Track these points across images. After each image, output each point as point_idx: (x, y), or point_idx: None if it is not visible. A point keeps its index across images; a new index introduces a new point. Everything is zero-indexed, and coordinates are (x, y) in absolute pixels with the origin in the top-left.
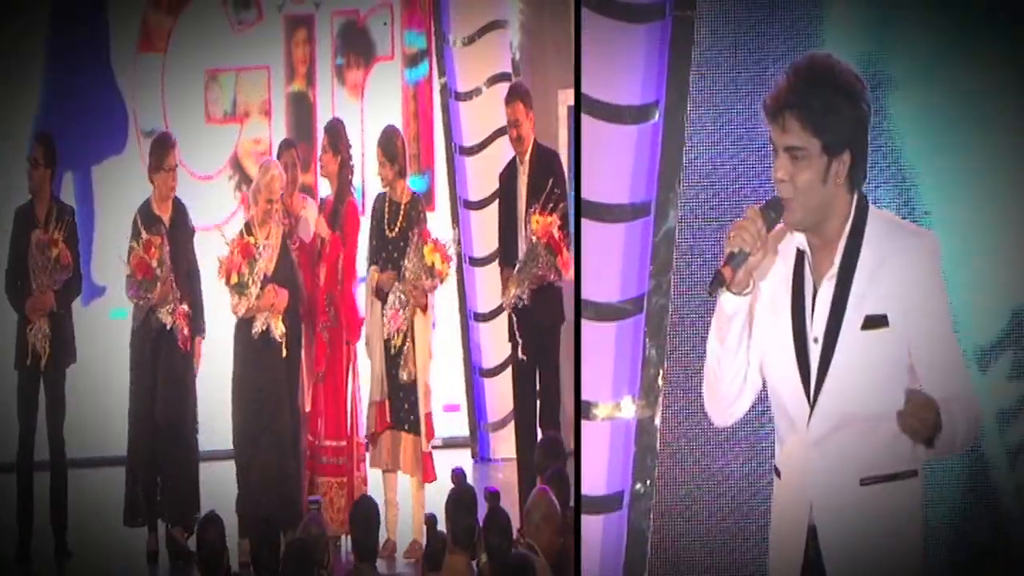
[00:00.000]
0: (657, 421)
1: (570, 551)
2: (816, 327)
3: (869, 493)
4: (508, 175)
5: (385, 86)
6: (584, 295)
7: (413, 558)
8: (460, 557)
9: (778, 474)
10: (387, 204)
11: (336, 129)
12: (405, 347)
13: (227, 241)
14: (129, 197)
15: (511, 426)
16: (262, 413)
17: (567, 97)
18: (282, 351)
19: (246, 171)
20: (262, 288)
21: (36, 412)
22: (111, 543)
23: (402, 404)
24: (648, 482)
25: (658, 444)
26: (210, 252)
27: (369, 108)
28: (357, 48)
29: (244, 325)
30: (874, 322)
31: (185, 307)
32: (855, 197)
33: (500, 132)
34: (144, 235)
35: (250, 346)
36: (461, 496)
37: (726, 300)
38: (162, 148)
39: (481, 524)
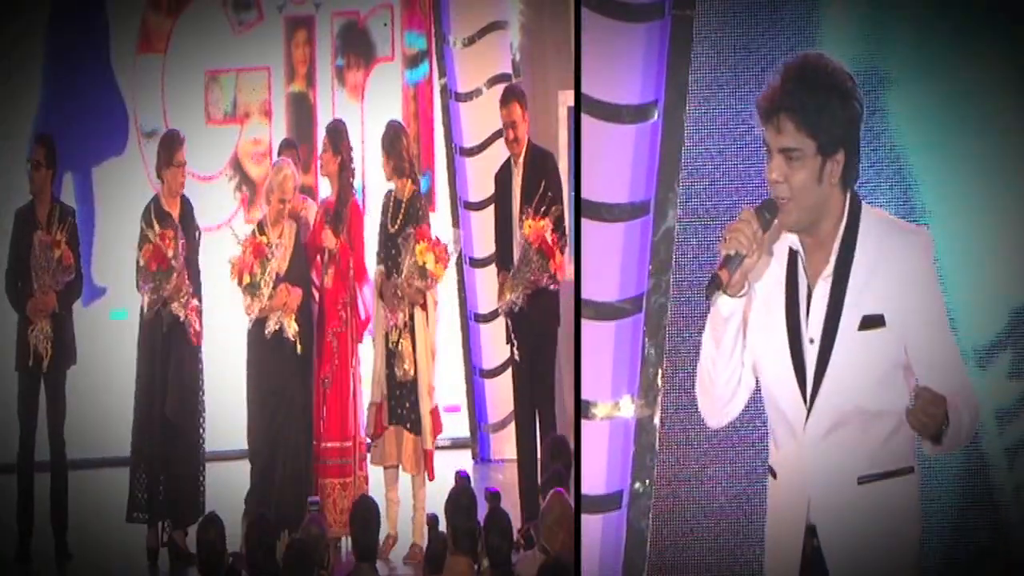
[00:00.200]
0: (656, 420)
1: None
2: (812, 328)
3: (867, 491)
4: (502, 176)
5: (385, 87)
6: (583, 294)
7: (414, 561)
8: (462, 559)
9: (773, 474)
10: (391, 200)
11: (338, 130)
12: (402, 344)
13: (239, 240)
14: (129, 198)
15: (511, 427)
16: (277, 413)
17: (567, 98)
18: (296, 349)
19: (246, 172)
20: (274, 288)
21: (37, 413)
22: (111, 543)
23: (402, 404)
24: (647, 481)
25: (657, 443)
26: (210, 252)
27: (369, 109)
28: (357, 49)
29: (257, 326)
30: (871, 322)
31: (196, 302)
32: (848, 196)
33: (500, 133)
34: (157, 228)
35: (264, 347)
36: (460, 498)
37: (722, 303)
38: (172, 144)
39: (481, 525)
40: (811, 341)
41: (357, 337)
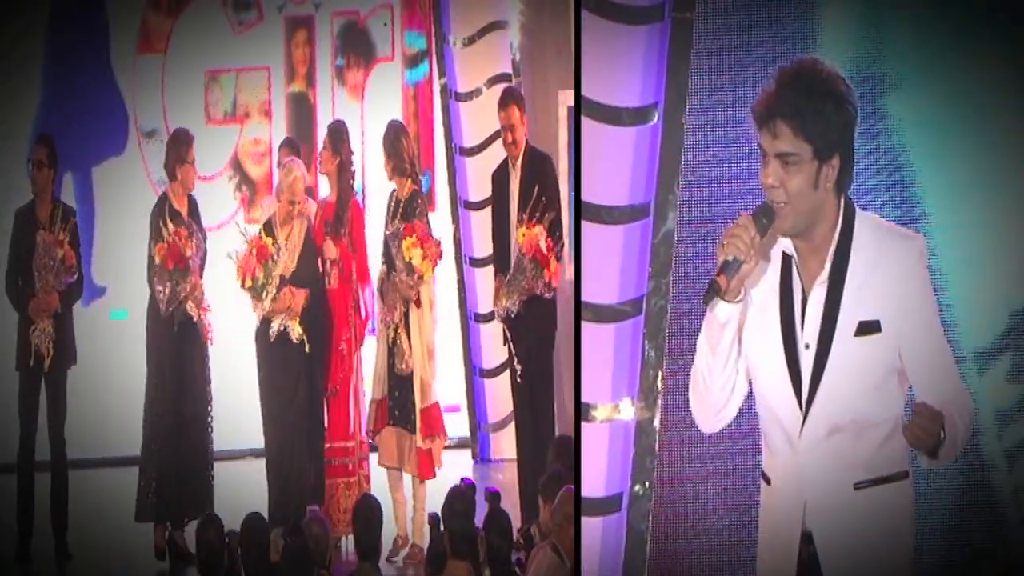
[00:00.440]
0: (656, 423)
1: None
2: (807, 333)
3: (863, 497)
4: (500, 177)
5: (385, 87)
6: (583, 297)
7: (414, 561)
8: (460, 564)
9: (767, 480)
10: (392, 200)
11: (338, 130)
12: (399, 341)
13: (246, 237)
14: (129, 198)
15: (512, 427)
16: (285, 413)
17: (567, 98)
18: (303, 349)
19: (246, 172)
20: (278, 291)
21: (37, 413)
22: (111, 543)
23: (401, 404)
24: (647, 484)
25: (657, 446)
26: (212, 252)
27: (369, 109)
28: (357, 49)
29: (264, 325)
30: (867, 328)
31: (207, 302)
32: (842, 201)
33: (500, 133)
34: (171, 226)
35: (269, 348)
36: (455, 503)
37: (720, 308)
38: (184, 141)
39: (482, 525)
40: (806, 347)
41: (359, 337)
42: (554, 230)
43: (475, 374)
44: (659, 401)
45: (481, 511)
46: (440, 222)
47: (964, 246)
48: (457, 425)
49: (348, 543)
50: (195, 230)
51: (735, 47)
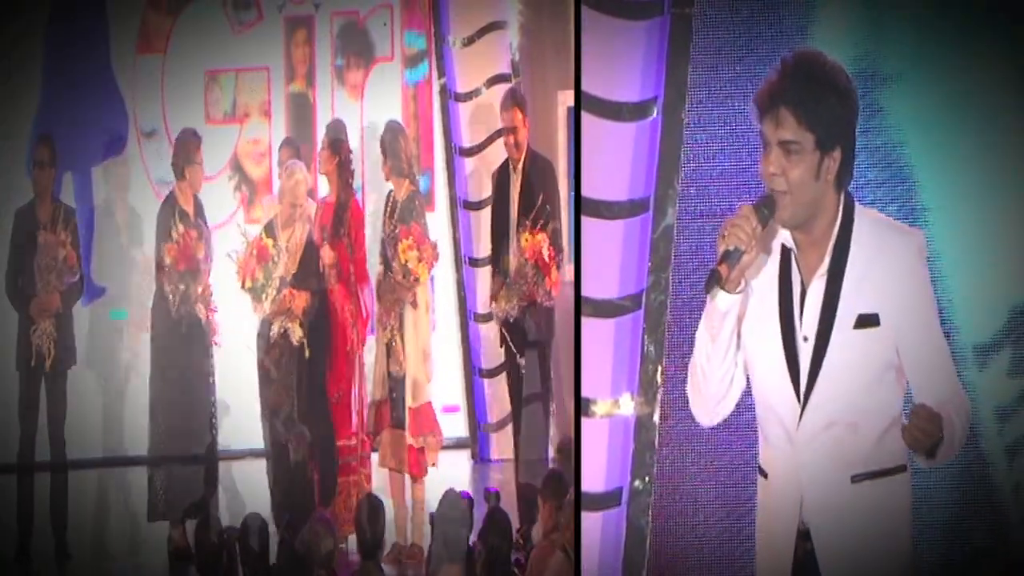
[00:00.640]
0: (656, 418)
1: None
2: (806, 326)
3: (860, 490)
4: (501, 179)
5: (385, 87)
6: (583, 292)
7: (412, 560)
8: (454, 568)
9: (763, 474)
10: (390, 201)
11: (337, 130)
12: (395, 342)
13: (247, 238)
14: (129, 198)
15: (511, 427)
16: (288, 414)
17: (566, 98)
18: (304, 353)
19: (246, 172)
20: (279, 292)
21: (38, 413)
22: (111, 544)
23: (398, 403)
24: (647, 479)
25: (657, 441)
26: (215, 251)
27: (369, 109)
28: (357, 49)
29: (265, 325)
30: (866, 321)
31: (215, 303)
32: (842, 196)
33: (499, 133)
34: (181, 227)
35: (270, 347)
36: (447, 509)
37: (720, 298)
38: (193, 141)
39: (481, 524)
40: (805, 339)
41: (361, 338)
42: (556, 239)
43: (475, 374)
44: (659, 396)
45: (481, 511)
46: (439, 222)
47: (963, 242)
48: (456, 425)
49: (348, 544)
50: (204, 231)
51: (734, 42)
